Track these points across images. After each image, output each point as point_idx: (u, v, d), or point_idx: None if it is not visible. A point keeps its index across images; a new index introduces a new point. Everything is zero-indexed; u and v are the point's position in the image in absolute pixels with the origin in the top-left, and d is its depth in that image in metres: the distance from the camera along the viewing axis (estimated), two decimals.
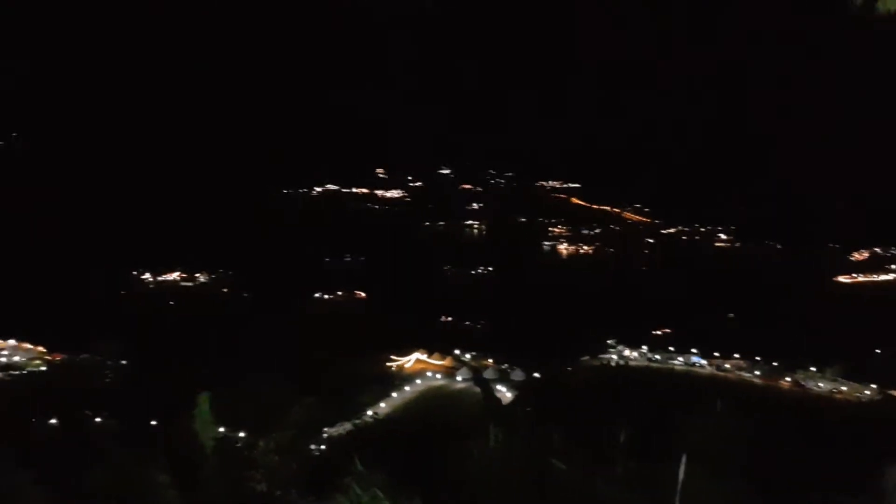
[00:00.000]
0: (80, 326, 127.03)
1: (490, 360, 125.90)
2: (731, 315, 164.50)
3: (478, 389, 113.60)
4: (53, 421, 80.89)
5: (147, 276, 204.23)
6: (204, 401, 10.15)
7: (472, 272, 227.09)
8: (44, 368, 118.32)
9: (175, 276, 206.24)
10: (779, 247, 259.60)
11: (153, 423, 58.06)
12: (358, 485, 7.26)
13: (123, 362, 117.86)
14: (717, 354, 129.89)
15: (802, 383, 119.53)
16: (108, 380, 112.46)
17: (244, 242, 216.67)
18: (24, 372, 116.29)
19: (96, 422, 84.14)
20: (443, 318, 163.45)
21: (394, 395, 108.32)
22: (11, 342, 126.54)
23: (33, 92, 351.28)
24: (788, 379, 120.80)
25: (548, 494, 8.57)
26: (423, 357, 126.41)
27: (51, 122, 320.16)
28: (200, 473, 9.64)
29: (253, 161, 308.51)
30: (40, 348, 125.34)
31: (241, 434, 11.02)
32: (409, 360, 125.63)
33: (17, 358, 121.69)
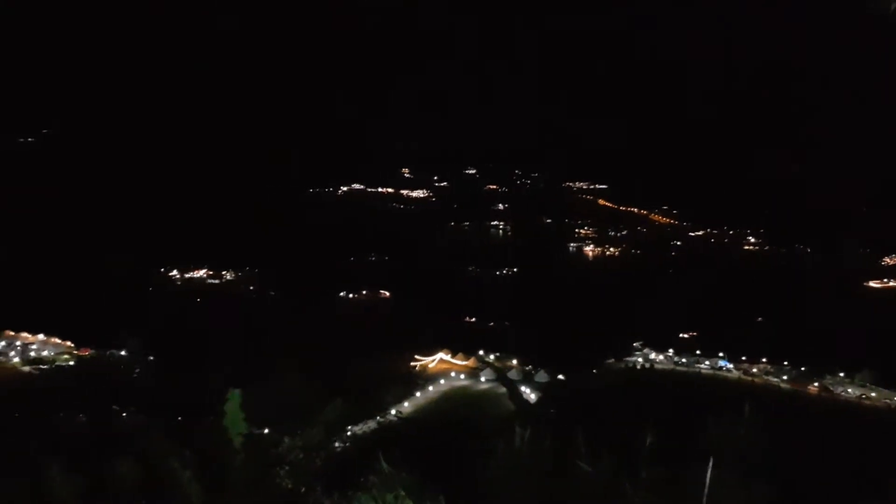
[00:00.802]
0: (109, 322, 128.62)
1: (514, 361, 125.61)
2: (760, 319, 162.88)
3: (501, 390, 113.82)
4: (81, 415, 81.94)
5: (174, 273, 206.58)
6: (234, 397, 10.18)
7: (497, 273, 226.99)
8: (72, 363, 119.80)
9: (202, 273, 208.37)
10: (808, 250, 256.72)
11: (179, 418, 58.55)
12: (382, 483, 7.27)
13: (150, 358, 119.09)
14: (744, 358, 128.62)
15: (831, 388, 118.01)
16: (134, 375, 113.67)
17: (270, 241, 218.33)
18: (53, 366, 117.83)
19: (123, 416, 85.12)
20: (467, 319, 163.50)
21: (417, 394, 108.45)
22: (41, 337, 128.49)
23: (67, 91, 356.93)
24: (817, 384, 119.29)
25: (572, 497, 8.52)
26: (447, 357, 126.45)
27: (84, 124, 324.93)
28: (226, 469, 9.69)
29: (280, 161, 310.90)
30: (69, 343, 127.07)
31: (266, 431, 11.04)
32: (433, 360, 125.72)
33: (46, 352, 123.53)
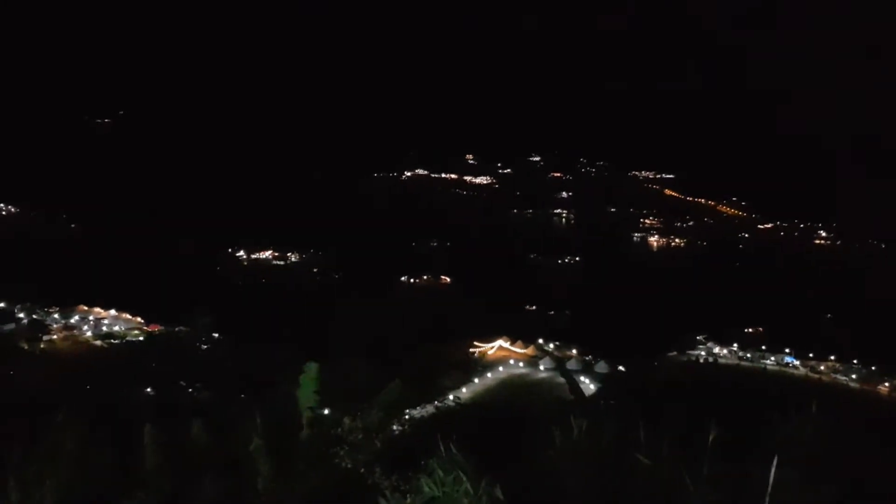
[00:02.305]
0: (177, 300, 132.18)
1: (574, 351, 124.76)
2: (829, 315, 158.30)
3: (560, 379, 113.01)
4: (149, 388, 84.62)
5: (241, 253, 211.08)
6: (311, 370, 10.37)
7: (559, 261, 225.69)
8: (141, 338, 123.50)
9: (267, 254, 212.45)
10: (882, 246, 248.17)
11: (242, 395, 59.97)
12: (440, 467, 7.32)
13: (216, 335, 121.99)
14: (811, 355, 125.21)
15: None
16: (201, 352, 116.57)
17: (334, 224, 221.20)
18: (123, 341, 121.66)
19: (189, 391, 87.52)
20: (527, 307, 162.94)
21: (475, 380, 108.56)
22: (112, 312, 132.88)
23: (148, 78, 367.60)
24: (887, 384, 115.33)
25: (632, 490, 8.45)
26: (506, 344, 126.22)
27: (159, 107, 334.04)
28: (292, 444, 9.91)
29: (344, 145, 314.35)
30: (139, 319, 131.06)
31: (326, 411, 11.24)
32: (492, 347, 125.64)
33: (116, 327, 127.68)
